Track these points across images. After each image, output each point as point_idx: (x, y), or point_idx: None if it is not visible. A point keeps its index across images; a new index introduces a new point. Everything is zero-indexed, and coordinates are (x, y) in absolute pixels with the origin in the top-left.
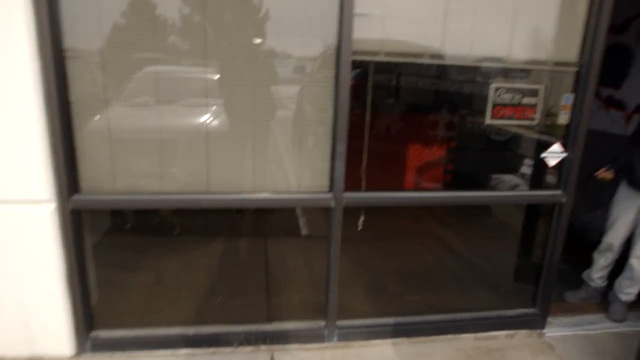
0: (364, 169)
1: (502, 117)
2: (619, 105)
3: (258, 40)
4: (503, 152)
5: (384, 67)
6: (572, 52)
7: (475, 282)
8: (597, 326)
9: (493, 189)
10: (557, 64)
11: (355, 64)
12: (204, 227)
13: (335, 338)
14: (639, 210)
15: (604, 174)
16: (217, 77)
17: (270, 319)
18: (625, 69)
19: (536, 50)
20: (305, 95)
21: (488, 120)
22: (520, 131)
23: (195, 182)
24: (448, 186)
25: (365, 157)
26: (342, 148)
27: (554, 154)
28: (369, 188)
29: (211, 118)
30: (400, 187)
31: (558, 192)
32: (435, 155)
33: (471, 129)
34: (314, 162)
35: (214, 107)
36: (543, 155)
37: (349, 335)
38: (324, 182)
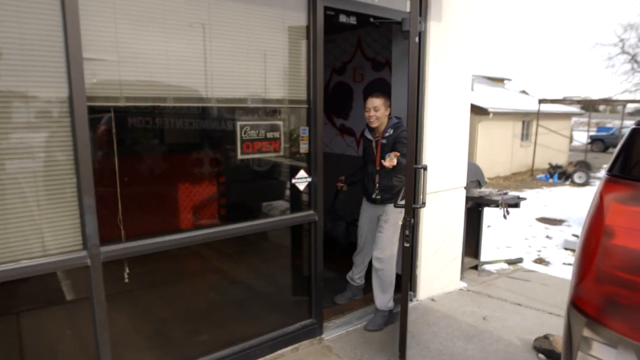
0: (127, 216)
1: (252, 152)
2: (350, 132)
3: None
4: (267, 181)
5: (139, 110)
6: (302, 93)
7: (258, 306)
8: (363, 319)
9: (267, 215)
10: (292, 102)
11: (104, 108)
12: None
13: None
14: (376, 218)
15: (340, 184)
16: None
17: None
18: (349, 102)
19: (275, 92)
20: (39, 144)
21: (240, 156)
22: (279, 160)
23: None
24: (225, 220)
25: (125, 204)
26: (90, 201)
27: (301, 180)
28: (135, 236)
29: None
30: (175, 229)
31: (311, 211)
32: (206, 191)
33: (235, 163)
34: (60, 219)
35: None
36: (293, 181)
37: None
38: (76, 239)
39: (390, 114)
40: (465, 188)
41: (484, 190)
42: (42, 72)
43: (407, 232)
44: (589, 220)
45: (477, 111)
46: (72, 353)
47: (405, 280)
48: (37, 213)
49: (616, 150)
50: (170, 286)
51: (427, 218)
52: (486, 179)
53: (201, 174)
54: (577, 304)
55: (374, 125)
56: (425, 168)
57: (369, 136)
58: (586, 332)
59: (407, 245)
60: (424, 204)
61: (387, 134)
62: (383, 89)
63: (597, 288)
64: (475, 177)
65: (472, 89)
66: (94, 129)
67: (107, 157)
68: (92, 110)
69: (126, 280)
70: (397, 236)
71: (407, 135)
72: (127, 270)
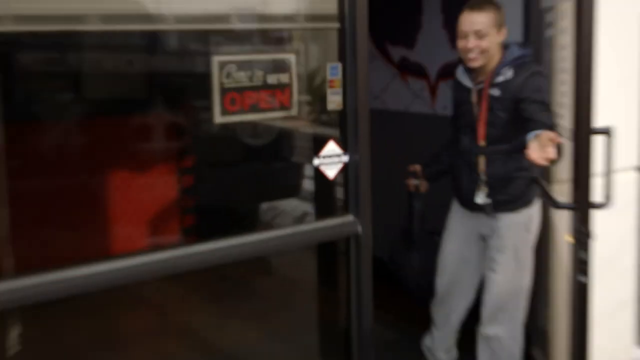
0: (10, 237)
1: (240, 111)
2: (418, 70)
3: None
4: (271, 165)
5: (39, 40)
6: (330, 3)
7: None
8: None
9: (269, 225)
10: (312, 18)
11: None
12: None
13: None
14: (477, 238)
15: (412, 181)
16: None
17: None
18: (415, 17)
19: (280, 2)
20: None
21: (219, 118)
22: (293, 125)
23: None
24: (193, 235)
25: (13, 211)
26: None
27: (330, 160)
28: (28, 270)
29: None
30: (101, 255)
31: (350, 217)
32: (158, 185)
33: (209, 133)
34: None
35: None
36: (316, 162)
37: None
38: None
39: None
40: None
41: None
42: None
43: (582, 256)
44: None
45: None
46: None
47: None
48: None
49: None
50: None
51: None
52: None
53: (149, 153)
54: None
55: (476, 64)
56: (608, 132)
57: (466, 81)
58: None
59: (582, 280)
60: (608, 199)
61: (500, 79)
62: None
63: None
64: None
65: None
66: None
67: None
68: None
69: (15, 349)
70: (526, 273)
71: (544, 87)
72: (15, 331)
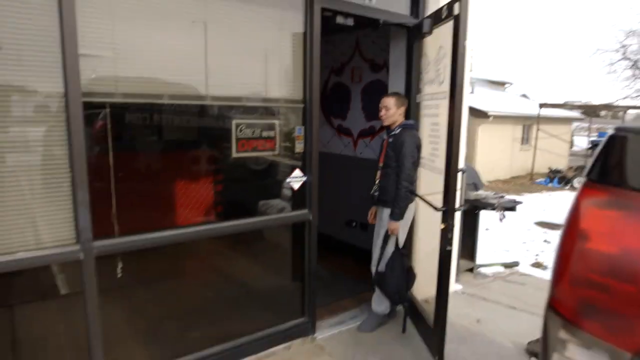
0: (121, 212)
1: (247, 150)
2: (347, 132)
3: None
4: (265, 180)
5: (135, 106)
6: (298, 92)
7: (252, 304)
8: (357, 319)
9: (262, 213)
10: (288, 101)
11: (100, 104)
12: None
13: None
14: (379, 219)
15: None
16: None
17: None
18: (347, 103)
19: (271, 91)
20: (35, 138)
21: (235, 154)
22: (277, 159)
23: None
24: (219, 217)
25: (120, 200)
26: (83, 196)
27: (296, 179)
28: (128, 232)
29: None
30: (170, 226)
31: (305, 210)
32: (201, 188)
33: (230, 161)
34: (54, 213)
35: None
36: (288, 180)
37: None
38: (69, 233)
39: (406, 117)
40: (460, 190)
41: (481, 193)
42: (39, 67)
43: (449, 235)
44: (565, 224)
45: (477, 114)
46: (65, 346)
47: (445, 286)
48: (32, 206)
49: (594, 155)
50: (163, 282)
51: (422, 219)
52: (484, 182)
53: (196, 171)
54: (554, 306)
55: (384, 123)
56: (463, 171)
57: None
58: (562, 334)
59: (448, 248)
60: (462, 205)
61: (393, 132)
62: (380, 91)
63: (573, 291)
64: (472, 180)
65: (472, 92)
66: (89, 124)
67: (102, 153)
68: (87, 106)
69: (119, 275)
70: (392, 242)
71: (409, 143)
72: (120, 265)
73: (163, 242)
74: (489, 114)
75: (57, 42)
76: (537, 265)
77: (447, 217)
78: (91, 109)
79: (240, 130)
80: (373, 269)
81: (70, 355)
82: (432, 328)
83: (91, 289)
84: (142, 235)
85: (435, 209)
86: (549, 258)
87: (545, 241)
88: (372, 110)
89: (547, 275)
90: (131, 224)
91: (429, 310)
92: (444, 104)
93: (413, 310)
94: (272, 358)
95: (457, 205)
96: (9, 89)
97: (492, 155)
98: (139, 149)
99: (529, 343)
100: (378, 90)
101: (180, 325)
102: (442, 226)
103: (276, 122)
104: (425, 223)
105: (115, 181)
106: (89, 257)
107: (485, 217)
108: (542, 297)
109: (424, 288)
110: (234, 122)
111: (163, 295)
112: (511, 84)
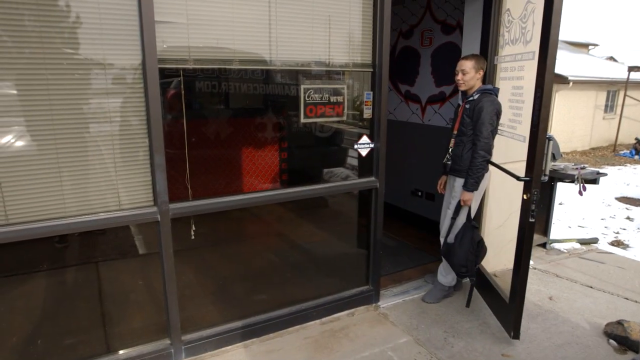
0: (193, 177)
1: (314, 116)
2: (415, 99)
3: (62, 51)
4: (329, 147)
5: (206, 73)
6: (367, 57)
7: (316, 270)
8: (421, 289)
9: (328, 180)
10: (357, 65)
11: (172, 72)
12: (20, 263)
13: (183, 354)
14: (450, 188)
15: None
16: (13, 91)
17: (110, 350)
18: (415, 68)
19: (339, 56)
20: (115, 108)
21: (303, 119)
22: (341, 126)
23: None
24: (286, 183)
25: (192, 166)
26: (160, 160)
27: (364, 145)
28: (201, 196)
29: (12, 139)
30: (238, 192)
31: (372, 178)
32: (269, 155)
33: (297, 129)
34: (133, 177)
35: (15, 127)
36: (355, 147)
37: (197, 349)
38: (147, 196)
39: (483, 81)
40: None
41: (559, 164)
42: (118, 36)
43: (533, 207)
44: None
45: (556, 80)
46: (143, 301)
47: (526, 261)
48: (113, 171)
49: None
50: (233, 245)
51: (494, 190)
52: (562, 153)
53: (264, 138)
54: None
55: (461, 88)
56: (549, 139)
57: (460, 100)
58: None
59: (531, 221)
60: (546, 175)
61: (470, 98)
62: (452, 54)
63: None
64: (550, 150)
65: None
66: (164, 92)
67: (176, 120)
68: (162, 74)
69: (192, 237)
70: (463, 213)
71: (489, 109)
72: (193, 228)
73: (232, 206)
74: (569, 79)
75: (135, 9)
76: (618, 243)
77: (531, 188)
78: (165, 78)
79: (309, 96)
80: (442, 240)
81: (149, 309)
82: (508, 303)
83: (167, 249)
84: (213, 199)
85: (518, 178)
86: (632, 236)
87: (627, 218)
88: (442, 75)
89: (629, 254)
90: (203, 188)
91: (502, 284)
92: (530, 65)
93: (482, 284)
94: (336, 323)
95: (542, 175)
96: (90, 62)
97: (570, 124)
98: (209, 115)
99: (608, 324)
100: (450, 54)
101: (247, 287)
102: (525, 197)
103: (344, 87)
104: (498, 193)
105: (189, 147)
106: (165, 219)
107: (560, 190)
108: (624, 277)
109: (492, 261)
110: (302, 87)
111: (232, 258)
112: (596, 45)
